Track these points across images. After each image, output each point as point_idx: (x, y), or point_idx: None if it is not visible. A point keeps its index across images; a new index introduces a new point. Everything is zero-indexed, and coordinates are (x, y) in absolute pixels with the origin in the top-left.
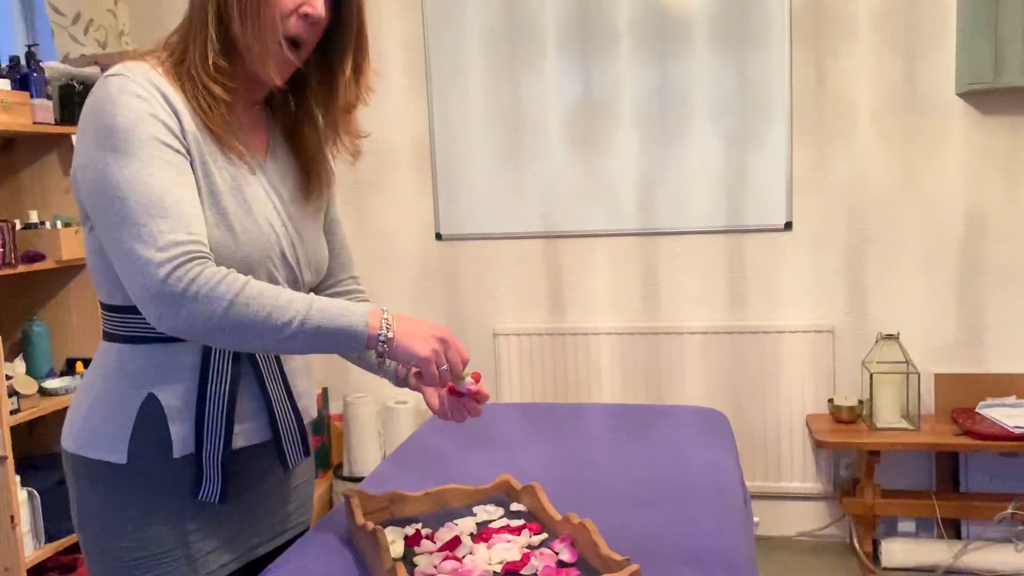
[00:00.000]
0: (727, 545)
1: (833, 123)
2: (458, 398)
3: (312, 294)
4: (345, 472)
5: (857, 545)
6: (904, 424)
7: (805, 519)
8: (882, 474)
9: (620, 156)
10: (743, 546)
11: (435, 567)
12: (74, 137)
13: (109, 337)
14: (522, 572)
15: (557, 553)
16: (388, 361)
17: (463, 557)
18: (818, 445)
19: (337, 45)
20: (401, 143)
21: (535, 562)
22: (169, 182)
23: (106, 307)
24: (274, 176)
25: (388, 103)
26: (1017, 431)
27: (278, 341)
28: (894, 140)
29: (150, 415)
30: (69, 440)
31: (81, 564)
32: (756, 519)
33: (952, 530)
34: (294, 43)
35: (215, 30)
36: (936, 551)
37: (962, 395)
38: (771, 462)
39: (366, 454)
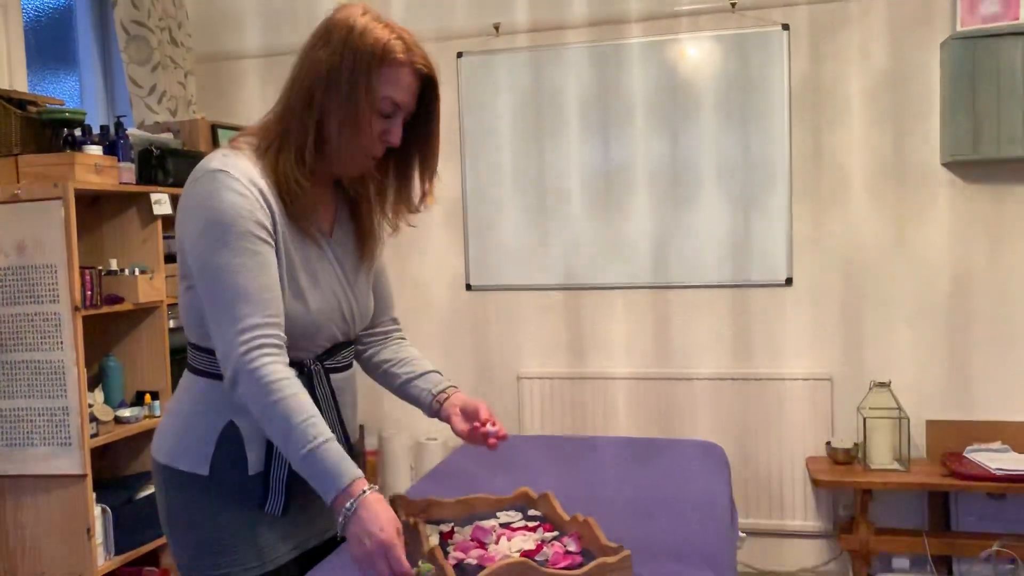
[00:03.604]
0: (710, 547)
1: (829, 189)
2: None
3: (332, 438)
4: None
5: None
6: (896, 466)
7: (806, 556)
8: (879, 514)
9: (635, 217)
10: (724, 549)
11: (465, 553)
12: (153, 196)
13: (196, 372)
14: (536, 557)
15: (565, 545)
16: (423, 394)
17: (488, 546)
18: (815, 484)
19: (413, 154)
20: (437, 203)
21: (547, 550)
22: (255, 270)
23: (197, 347)
24: (338, 248)
25: None
26: (999, 473)
27: (285, 448)
28: (885, 205)
29: (230, 438)
30: (162, 453)
31: (146, 575)
32: (742, 534)
33: (944, 567)
34: (374, 158)
35: (313, 138)
36: None
37: (952, 440)
38: (774, 501)
39: (399, 486)
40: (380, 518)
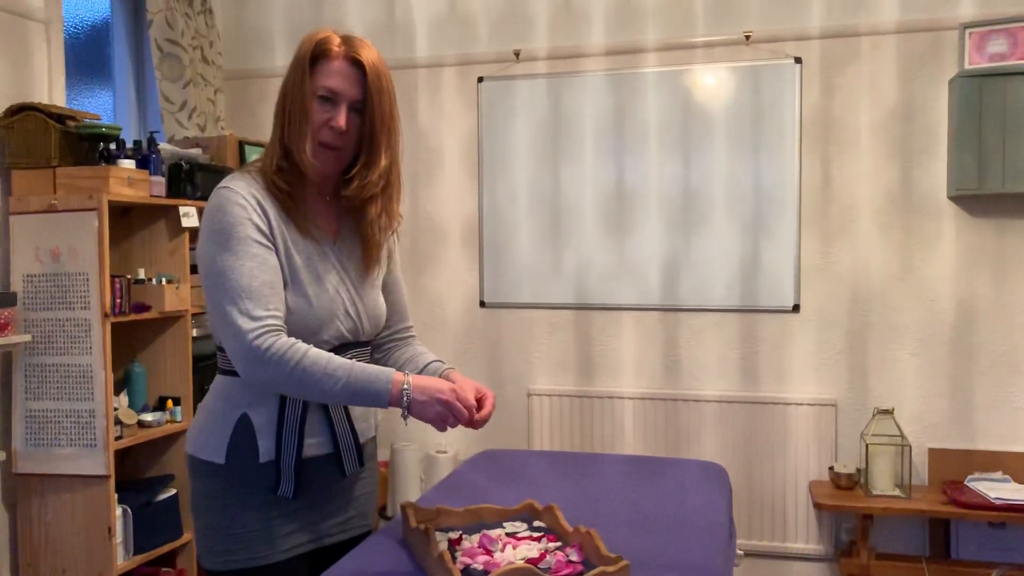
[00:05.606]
0: (707, 561)
1: (838, 219)
2: None
3: (353, 362)
4: (389, 513)
5: None
6: (897, 492)
7: None
8: (880, 539)
9: (647, 240)
10: (721, 565)
11: (472, 559)
12: (182, 209)
13: (220, 371)
14: (539, 565)
15: (568, 555)
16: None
17: (494, 553)
18: (818, 507)
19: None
20: (454, 221)
21: (549, 558)
22: (256, 270)
23: (220, 348)
24: (341, 253)
25: (444, 186)
26: (998, 502)
27: (324, 396)
28: (892, 236)
29: (243, 429)
30: (190, 445)
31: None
32: (740, 552)
33: None
34: (329, 147)
35: (278, 140)
36: None
37: (954, 469)
38: (776, 523)
39: (409, 497)
40: (432, 383)
